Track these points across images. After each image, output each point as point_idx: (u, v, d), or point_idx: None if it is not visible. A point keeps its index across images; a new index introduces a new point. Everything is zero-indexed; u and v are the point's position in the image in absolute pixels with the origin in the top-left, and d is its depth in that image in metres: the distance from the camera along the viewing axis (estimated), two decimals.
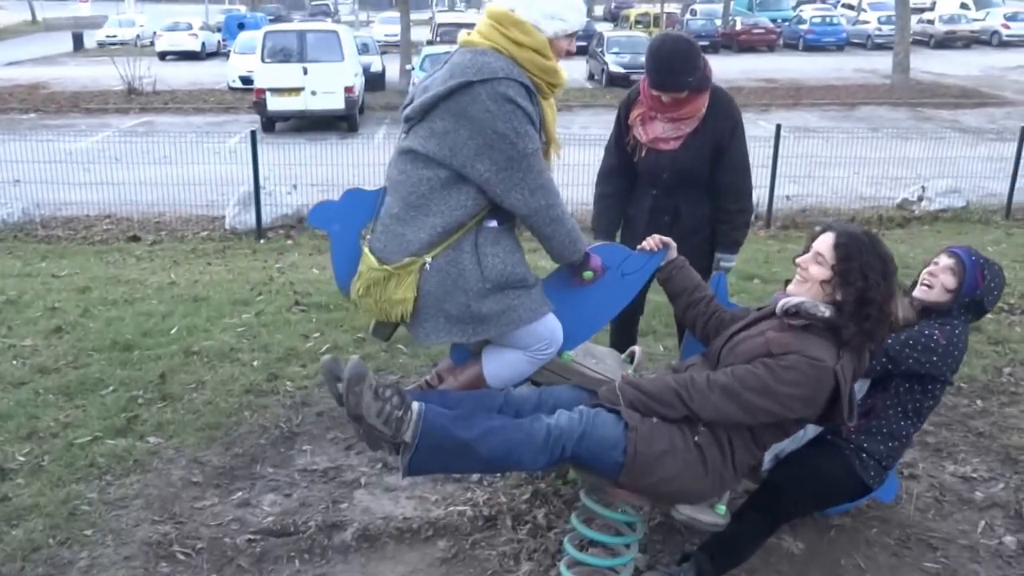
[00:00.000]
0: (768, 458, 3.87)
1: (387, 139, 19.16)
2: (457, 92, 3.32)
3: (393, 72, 30.99)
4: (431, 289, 3.47)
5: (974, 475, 4.77)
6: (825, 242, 3.37)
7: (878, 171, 14.41)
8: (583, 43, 40.76)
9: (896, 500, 4.44)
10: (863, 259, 3.26)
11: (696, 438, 3.30)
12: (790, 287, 3.47)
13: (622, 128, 4.70)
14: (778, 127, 13.28)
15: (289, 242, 11.50)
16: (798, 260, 3.47)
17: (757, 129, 22.35)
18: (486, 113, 3.28)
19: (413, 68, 25.21)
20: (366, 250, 3.56)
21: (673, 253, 3.95)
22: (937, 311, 3.88)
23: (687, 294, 3.91)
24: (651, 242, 3.92)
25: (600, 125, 23.98)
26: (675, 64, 4.30)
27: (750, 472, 3.81)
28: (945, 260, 3.88)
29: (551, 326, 3.68)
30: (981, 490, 4.63)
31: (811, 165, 13.94)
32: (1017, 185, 13.68)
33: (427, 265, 3.45)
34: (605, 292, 3.86)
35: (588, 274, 3.76)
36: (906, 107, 27.28)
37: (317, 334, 6.61)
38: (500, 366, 3.71)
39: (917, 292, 3.92)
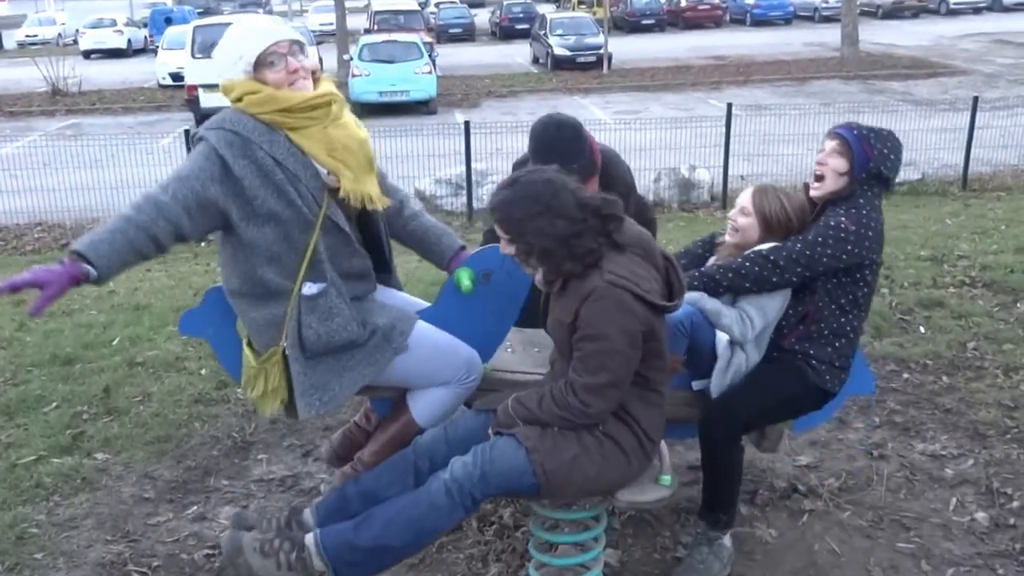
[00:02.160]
0: (718, 394, 3.84)
1: None
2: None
3: (330, 63, 30.81)
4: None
5: (943, 452, 4.85)
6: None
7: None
8: (525, 26, 40.98)
9: (874, 392, 4.48)
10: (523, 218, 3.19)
11: (601, 428, 3.28)
12: None
13: None
14: (729, 106, 13.44)
15: None
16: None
17: (708, 108, 22.53)
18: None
19: (351, 58, 25.10)
20: (246, 348, 3.61)
21: None
22: (840, 198, 3.78)
23: None
24: None
25: (546, 110, 23.63)
26: (558, 148, 4.19)
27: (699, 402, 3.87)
28: (829, 143, 3.80)
29: (464, 356, 3.69)
30: (951, 467, 4.72)
31: (764, 143, 14.13)
32: (972, 155, 13.94)
33: (286, 350, 3.50)
34: (499, 296, 3.82)
35: (466, 285, 3.72)
36: (858, 80, 27.62)
37: None
38: (428, 407, 3.72)
39: (812, 191, 3.84)
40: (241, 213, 3.31)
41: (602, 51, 31.13)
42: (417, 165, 13.50)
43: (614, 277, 3.11)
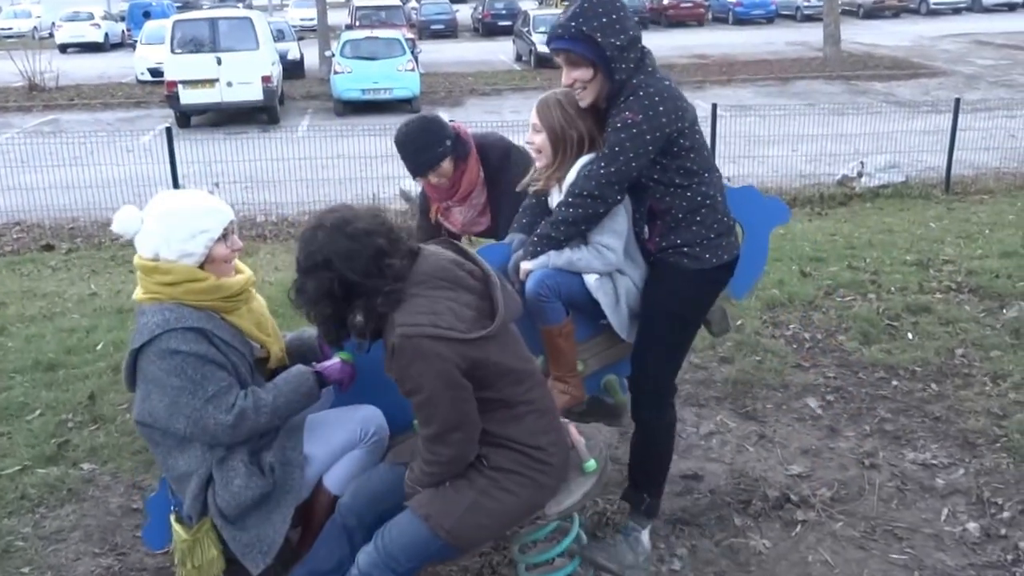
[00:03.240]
0: (625, 325, 3.82)
1: (311, 130, 19.00)
2: (137, 360, 3.37)
3: (312, 59, 30.72)
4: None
5: (934, 462, 4.87)
6: None
7: (816, 147, 14.59)
8: (507, 23, 40.92)
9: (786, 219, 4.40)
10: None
11: (486, 462, 3.20)
12: None
13: (425, 216, 4.75)
14: (714, 106, 13.42)
15: None
16: None
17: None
18: (160, 372, 3.30)
19: (333, 54, 24.96)
20: (173, 520, 3.57)
21: None
22: (611, 101, 3.62)
23: None
24: None
25: (530, 109, 23.79)
26: (414, 148, 4.31)
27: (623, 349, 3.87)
28: (560, 58, 3.65)
29: (359, 417, 3.67)
30: (942, 477, 4.74)
31: (749, 144, 14.12)
32: (954, 157, 13.97)
33: (213, 519, 3.50)
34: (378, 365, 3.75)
35: (344, 356, 3.65)
36: (840, 80, 27.67)
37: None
38: (341, 474, 3.67)
39: (582, 104, 3.70)
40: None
41: None
42: (401, 165, 13.36)
43: (405, 328, 2.96)
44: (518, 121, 11.59)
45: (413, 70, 23.76)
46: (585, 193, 3.56)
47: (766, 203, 4.20)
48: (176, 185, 11.64)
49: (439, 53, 35.76)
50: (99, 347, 6.59)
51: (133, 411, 3.49)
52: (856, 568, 4.08)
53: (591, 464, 3.37)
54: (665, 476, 3.91)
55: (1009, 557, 4.11)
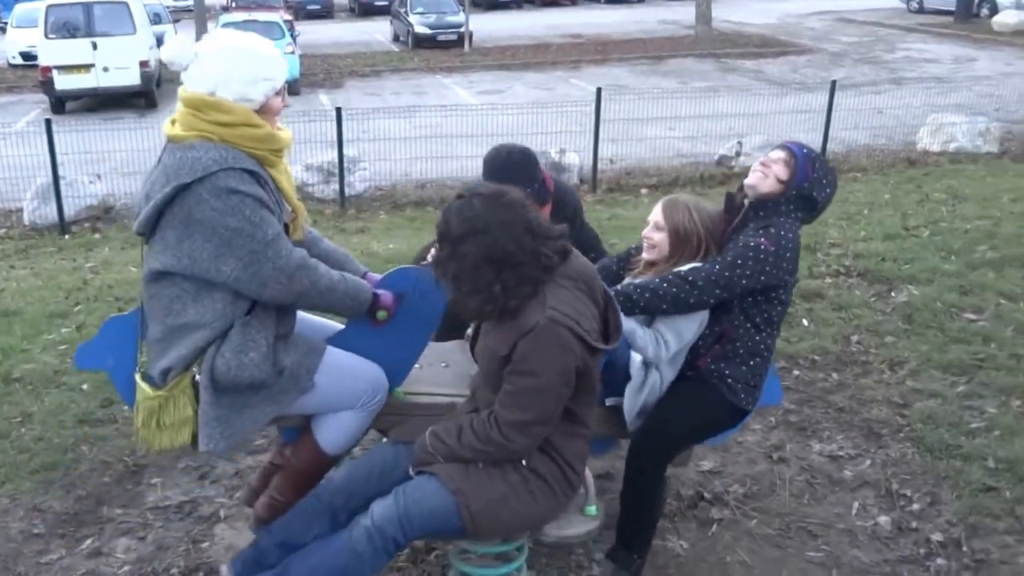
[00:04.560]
0: (633, 414, 3.79)
1: None
2: (177, 197, 3.09)
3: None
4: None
5: (840, 453, 4.87)
6: None
7: (692, 127, 14.70)
8: (384, 3, 40.45)
9: (780, 403, 4.45)
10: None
11: (525, 463, 3.14)
12: None
13: None
14: (599, 90, 13.41)
15: (97, 236, 10.92)
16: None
17: (570, 88, 22.59)
18: (213, 212, 3.06)
19: None
20: (138, 379, 3.36)
21: None
22: (765, 206, 3.78)
23: None
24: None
25: (410, 91, 23.81)
26: (506, 175, 4.16)
27: (615, 431, 3.81)
28: (777, 153, 3.82)
29: (369, 377, 3.53)
30: (849, 468, 4.74)
31: (627, 125, 14.12)
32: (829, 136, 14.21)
33: (196, 377, 3.28)
34: (412, 317, 3.65)
35: (382, 314, 3.56)
36: (711, 58, 28.01)
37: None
38: (333, 433, 3.54)
39: (750, 179, 3.81)
40: None
41: (463, 29, 30.89)
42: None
43: (556, 314, 2.95)
44: (399, 106, 11.42)
45: (293, 53, 23.26)
46: (690, 279, 3.61)
47: (770, 379, 4.10)
48: (56, 176, 11.14)
49: (316, 34, 35.08)
50: None
51: (155, 262, 3.20)
52: (774, 568, 4.04)
53: (593, 509, 3.41)
54: (651, 533, 3.83)
55: (922, 551, 4.12)
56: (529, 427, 3.02)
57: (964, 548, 4.12)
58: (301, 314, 3.66)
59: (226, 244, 3.08)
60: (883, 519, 4.34)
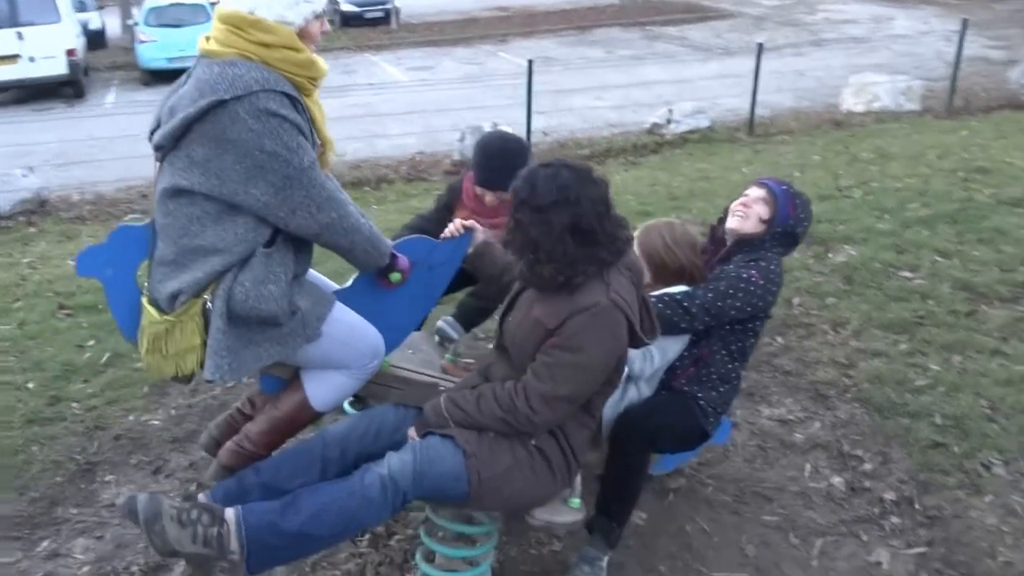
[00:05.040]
0: (610, 426, 3.77)
1: (119, 103, 18.04)
2: (211, 113, 2.91)
3: (114, 28, 29.13)
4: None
5: (790, 416, 4.86)
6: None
7: (621, 96, 14.67)
8: None
9: (729, 442, 4.49)
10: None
11: (533, 441, 3.13)
12: None
13: (442, 213, 4.58)
14: (530, 63, 13.29)
15: (33, 230, 10.59)
16: None
17: (499, 62, 22.41)
18: (250, 133, 2.90)
19: (136, 23, 23.67)
20: (145, 303, 3.19)
21: (479, 237, 3.73)
22: (749, 244, 3.85)
23: (495, 280, 3.75)
24: (453, 227, 3.70)
25: (339, 71, 23.41)
26: (503, 163, 4.19)
27: (591, 445, 3.73)
28: (756, 191, 3.87)
29: (372, 342, 3.42)
30: (800, 431, 4.73)
31: (557, 96, 14.07)
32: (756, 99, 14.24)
33: (208, 305, 3.11)
34: (415, 288, 3.60)
35: (396, 276, 3.49)
36: (636, 27, 28.03)
37: (92, 342, 5.98)
38: (324, 390, 3.43)
39: (731, 223, 3.87)
40: None
41: (390, 6, 30.57)
42: None
43: (619, 299, 2.97)
44: (329, 85, 11.18)
45: None
46: (684, 304, 3.67)
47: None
48: None
49: None
50: None
51: (176, 178, 3.02)
52: (734, 534, 4.02)
53: (576, 501, 3.32)
54: (632, 505, 3.77)
55: (876, 510, 4.12)
56: (558, 402, 3.01)
57: (917, 505, 4.14)
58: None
59: (259, 167, 2.94)
60: (836, 480, 4.34)
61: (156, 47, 22.05)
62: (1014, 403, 4.80)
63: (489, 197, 4.35)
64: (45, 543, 4.04)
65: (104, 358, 5.70)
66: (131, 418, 4.96)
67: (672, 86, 14.92)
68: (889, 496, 4.20)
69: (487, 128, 13.22)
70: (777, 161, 11.05)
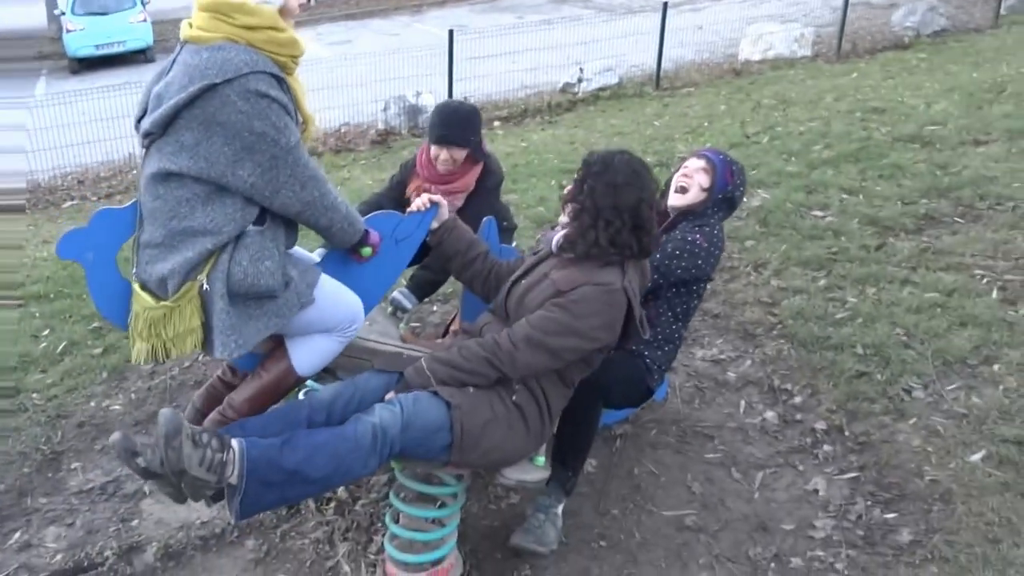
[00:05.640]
0: None
1: (49, 95, 17.48)
2: (201, 98, 2.88)
3: (40, 17, 28.16)
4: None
5: (722, 356, 4.96)
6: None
7: (534, 59, 14.64)
8: None
9: (664, 399, 4.57)
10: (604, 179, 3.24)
11: (513, 397, 3.19)
12: (561, 219, 3.42)
13: (396, 190, 4.74)
14: (451, 32, 13.22)
15: None
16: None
17: (414, 32, 22.22)
18: (239, 115, 2.88)
19: (63, 13, 22.96)
20: (136, 288, 3.13)
21: (444, 212, 3.73)
22: (692, 212, 3.92)
23: (461, 255, 3.73)
24: (420, 202, 3.71)
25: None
26: (459, 119, 4.43)
27: None
28: (696, 163, 3.93)
29: (354, 306, 3.42)
30: (732, 370, 4.83)
31: (473, 63, 13.99)
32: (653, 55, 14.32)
33: (205, 286, 3.07)
34: (381, 261, 3.61)
35: (367, 250, 3.48)
36: None
37: (47, 331, 5.81)
38: (309, 354, 3.41)
39: (673, 199, 3.93)
40: None
41: None
42: None
43: (630, 287, 3.19)
44: None
45: (145, 20, 22.36)
46: None
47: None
48: None
49: (165, 2, 33.57)
50: None
51: (165, 162, 2.97)
52: (680, 473, 4.10)
53: (541, 460, 3.39)
54: (586, 451, 3.82)
55: (808, 440, 4.24)
56: (540, 350, 3.13)
57: (846, 433, 4.26)
58: None
59: (247, 148, 2.91)
60: (769, 414, 4.45)
61: (83, 35, 21.41)
62: (926, 329, 4.95)
63: (444, 155, 4.42)
64: (17, 535, 3.99)
65: (60, 347, 5.56)
66: (92, 404, 4.88)
67: (581, 47, 14.91)
68: (820, 426, 4.31)
69: (411, 97, 13.16)
70: (686, 112, 11.15)
